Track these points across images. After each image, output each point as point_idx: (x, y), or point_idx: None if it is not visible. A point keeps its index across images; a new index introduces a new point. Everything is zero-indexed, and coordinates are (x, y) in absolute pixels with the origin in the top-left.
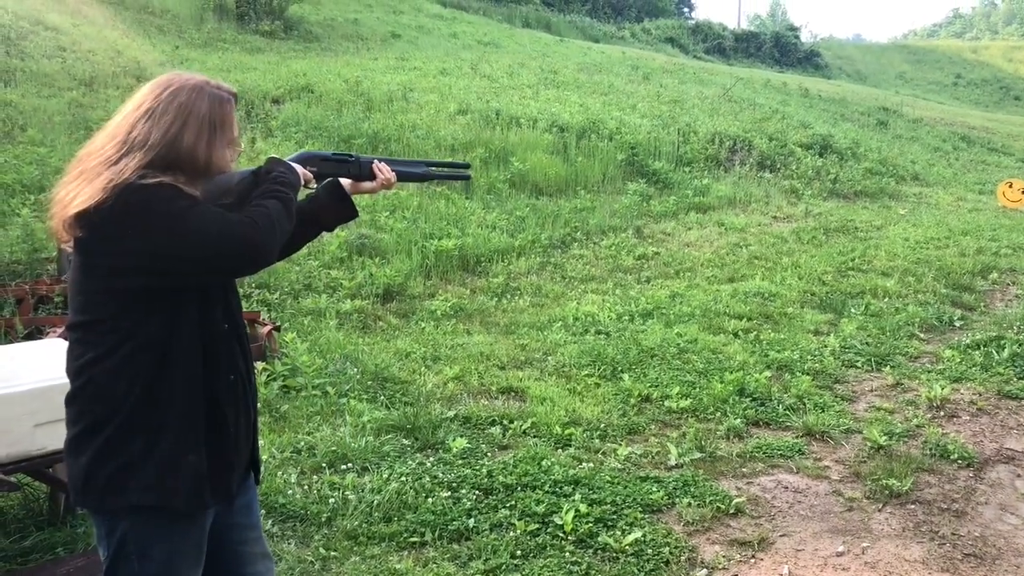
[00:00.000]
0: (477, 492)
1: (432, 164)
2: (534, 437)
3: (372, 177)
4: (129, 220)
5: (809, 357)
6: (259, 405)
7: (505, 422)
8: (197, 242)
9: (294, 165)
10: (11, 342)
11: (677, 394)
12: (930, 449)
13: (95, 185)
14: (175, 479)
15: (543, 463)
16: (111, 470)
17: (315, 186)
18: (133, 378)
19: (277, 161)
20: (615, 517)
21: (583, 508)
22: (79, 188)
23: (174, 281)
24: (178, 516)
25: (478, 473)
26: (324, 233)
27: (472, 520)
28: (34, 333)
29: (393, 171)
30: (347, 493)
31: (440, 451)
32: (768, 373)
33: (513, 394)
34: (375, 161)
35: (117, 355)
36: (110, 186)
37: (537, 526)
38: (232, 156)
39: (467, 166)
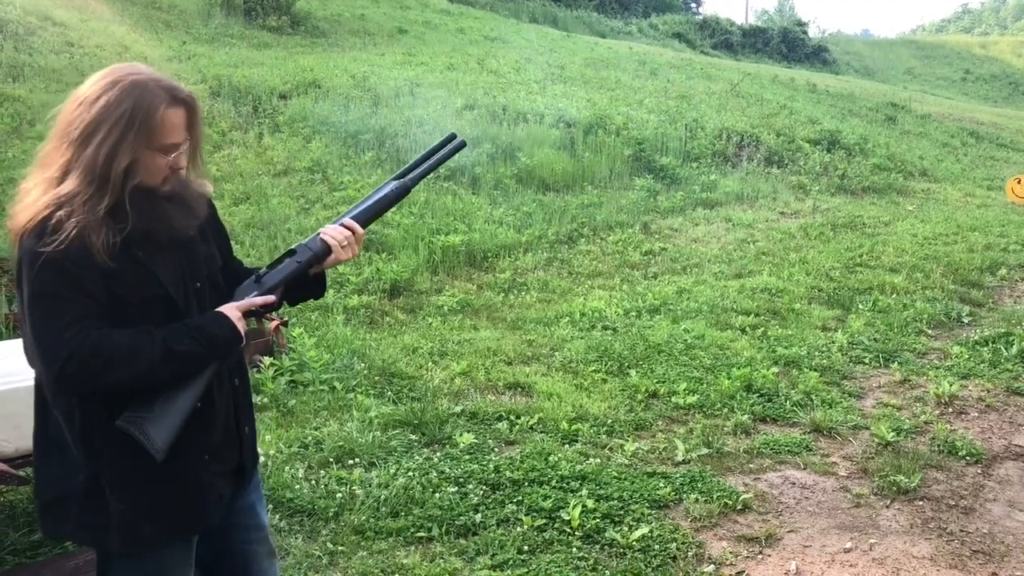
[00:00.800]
0: (484, 487)
1: (408, 169)
2: (541, 433)
3: (327, 253)
4: (19, 272)
5: (817, 353)
6: (266, 400)
7: (512, 417)
8: (30, 332)
9: (216, 332)
10: (18, 336)
11: (684, 390)
12: (938, 446)
13: (30, 198)
14: (107, 525)
15: (550, 459)
16: (48, 501)
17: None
18: (84, 411)
19: (219, 319)
20: (622, 513)
21: (590, 504)
22: (32, 190)
23: None
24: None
25: (485, 468)
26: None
27: (479, 515)
28: None
29: (356, 216)
30: (354, 488)
31: (447, 446)
32: (775, 369)
33: (520, 389)
34: (321, 233)
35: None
36: (30, 210)
37: (544, 521)
38: (165, 165)
39: (453, 136)
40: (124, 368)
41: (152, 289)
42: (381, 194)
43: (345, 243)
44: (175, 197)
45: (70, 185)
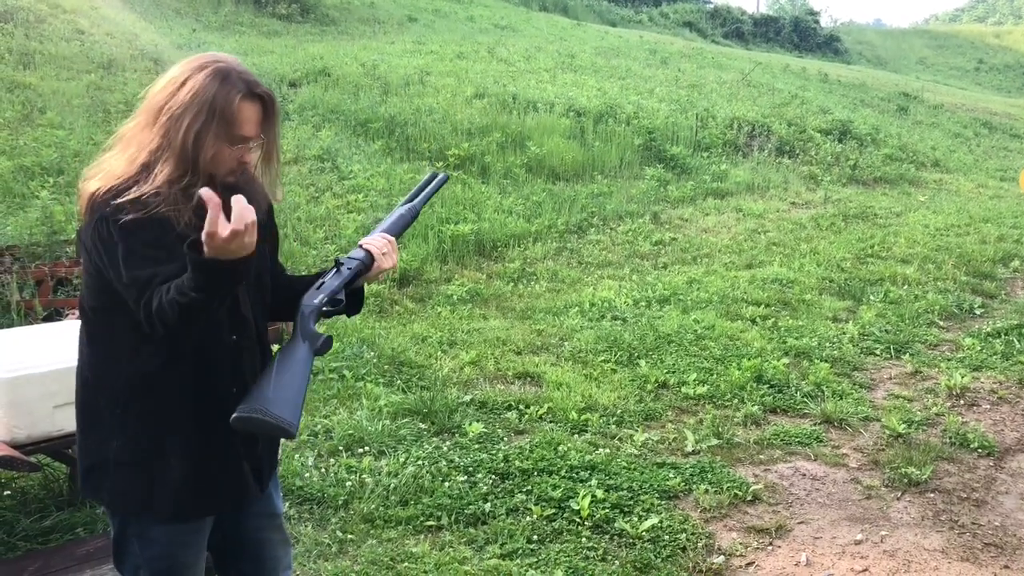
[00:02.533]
0: (493, 476)
1: (411, 198)
2: (550, 422)
3: (371, 261)
4: (96, 232)
5: (827, 344)
6: None
7: (521, 407)
8: (122, 285)
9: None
10: (31, 323)
11: (694, 380)
12: (950, 438)
13: (106, 171)
14: (145, 490)
15: (559, 448)
16: (90, 466)
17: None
18: (108, 383)
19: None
20: (632, 503)
21: (600, 494)
22: (106, 161)
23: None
24: (159, 519)
25: (494, 458)
26: (340, 218)
27: (488, 504)
28: (53, 315)
29: (384, 230)
30: (364, 476)
31: (456, 435)
32: (786, 360)
33: (529, 379)
34: (360, 246)
35: (97, 357)
36: (107, 177)
37: (553, 511)
38: (237, 157)
39: (435, 176)
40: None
41: None
42: (398, 215)
43: (386, 250)
44: (236, 190)
45: (156, 164)
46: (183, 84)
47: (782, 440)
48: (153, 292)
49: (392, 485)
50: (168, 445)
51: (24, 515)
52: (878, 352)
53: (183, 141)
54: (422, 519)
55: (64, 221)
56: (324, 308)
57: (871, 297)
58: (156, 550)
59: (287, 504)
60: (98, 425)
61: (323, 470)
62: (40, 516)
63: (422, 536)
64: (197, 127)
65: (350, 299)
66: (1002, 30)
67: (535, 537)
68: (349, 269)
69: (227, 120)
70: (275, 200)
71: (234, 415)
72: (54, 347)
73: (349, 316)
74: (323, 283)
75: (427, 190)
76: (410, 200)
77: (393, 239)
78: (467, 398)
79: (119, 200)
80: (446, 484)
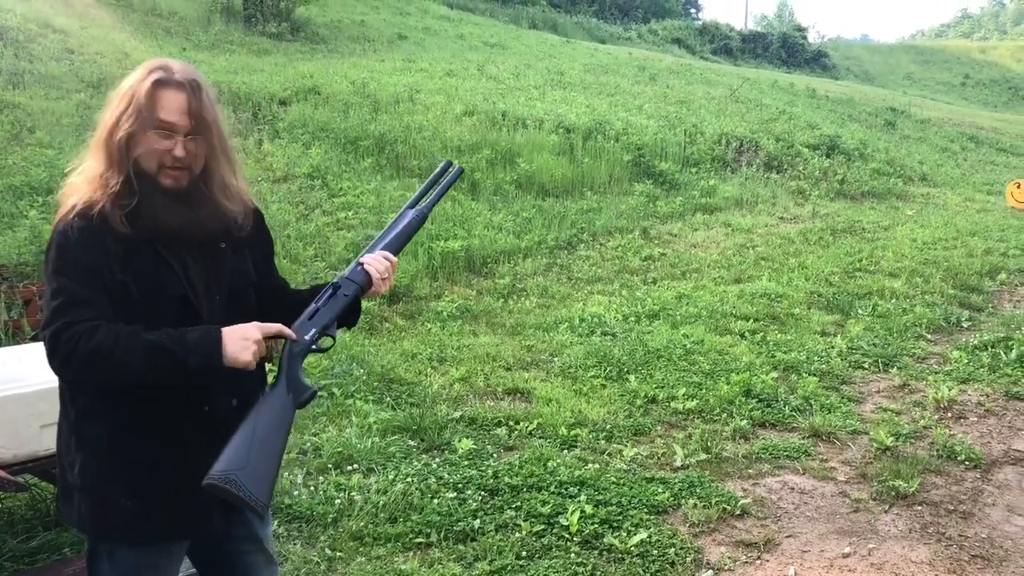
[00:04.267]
0: (483, 493)
1: (418, 198)
2: (540, 438)
3: (370, 281)
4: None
5: (816, 358)
6: None
7: (511, 423)
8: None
9: (226, 341)
10: (18, 343)
11: (683, 395)
12: (937, 450)
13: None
14: (106, 517)
15: (549, 464)
16: (62, 487)
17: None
18: (76, 409)
19: (209, 332)
20: (621, 518)
21: (589, 509)
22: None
23: None
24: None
25: (484, 474)
26: (330, 235)
27: (478, 521)
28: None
29: (384, 246)
30: (353, 494)
31: (446, 452)
32: (775, 374)
33: (519, 395)
34: (361, 262)
35: (61, 380)
36: (73, 204)
37: (543, 527)
38: (164, 147)
39: (449, 164)
40: (115, 367)
41: (169, 288)
42: (404, 223)
43: (385, 275)
44: (183, 198)
45: (86, 162)
46: (119, 84)
47: (771, 454)
48: (85, 327)
49: (381, 502)
50: (115, 481)
51: (10, 535)
52: (866, 365)
53: (109, 130)
54: (411, 536)
55: None
56: (314, 347)
57: (859, 311)
58: (124, 571)
59: (275, 523)
60: (67, 448)
61: (312, 488)
62: (27, 536)
63: (411, 553)
64: (117, 113)
65: (347, 314)
66: (987, 45)
67: (524, 553)
68: (346, 295)
69: (142, 103)
70: (247, 208)
71: (207, 480)
72: (41, 367)
73: (348, 328)
74: (317, 311)
75: (440, 187)
76: (418, 199)
77: (395, 260)
78: (457, 415)
79: (68, 213)
80: (435, 501)
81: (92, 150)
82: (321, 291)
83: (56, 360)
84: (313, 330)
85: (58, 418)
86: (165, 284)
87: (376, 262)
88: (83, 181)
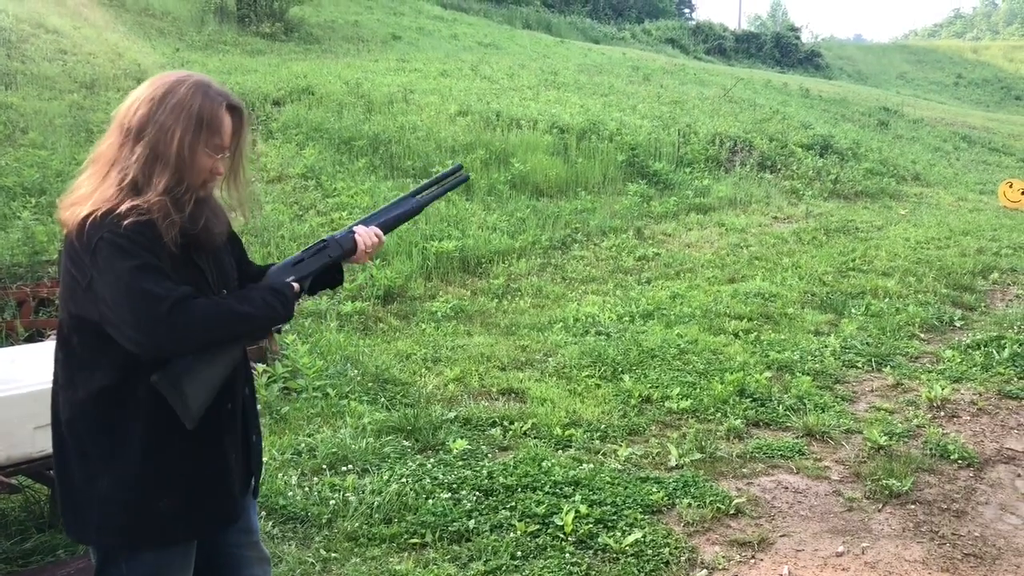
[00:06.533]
0: (477, 493)
1: (420, 189)
2: (534, 438)
3: (355, 249)
4: (93, 256)
5: (809, 357)
6: (260, 407)
7: (505, 423)
8: (116, 306)
9: (288, 295)
10: (12, 344)
11: (677, 395)
12: (930, 449)
13: (90, 199)
14: (143, 524)
15: (543, 464)
16: (75, 502)
17: (302, 291)
18: (99, 417)
19: (279, 292)
20: (615, 518)
21: (583, 509)
22: (87, 184)
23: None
24: (149, 550)
25: (478, 474)
26: (324, 235)
27: (472, 521)
28: (35, 335)
29: (380, 223)
30: (347, 495)
31: (440, 452)
32: (768, 373)
33: (513, 395)
34: (354, 230)
35: (85, 390)
36: (95, 210)
37: (537, 527)
38: (211, 165)
39: (459, 168)
40: (217, 331)
41: (203, 291)
42: (403, 209)
43: (371, 250)
44: (209, 206)
45: (149, 178)
46: (163, 100)
47: (765, 453)
48: (179, 304)
49: (376, 503)
50: (154, 486)
51: (4, 537)
52: (860, 365)
53: (177, 152)
54: (406, 537)
55: (46, 241)
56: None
57: (852, 310)
58: (143, 571)
59: (270, 523)
60: (84, 459)
61: (306, 489)
62: (20, 538)
63: (406, 554)
64: (189, 138)
65: (330, 275)
66: (979, 45)
67: (519, 553)
68: (330, 256)
69: (212, 129)
70: (244, 219)
71: (153, 376)
72: (36, 368)
73: (331, 288)
74: (302, 260)
75: (442, 186)
76: (421, 191)
77: (384, 239)
78: (451, 415)
79: (118, 218)
80: (430, 501)
81: (127, 164)
82: (312, 245)
83: (177, 334)
84: (293, 277)
85: (56, 432)
86: (201, 288)
87: (367, 235)
88: (121, 191)
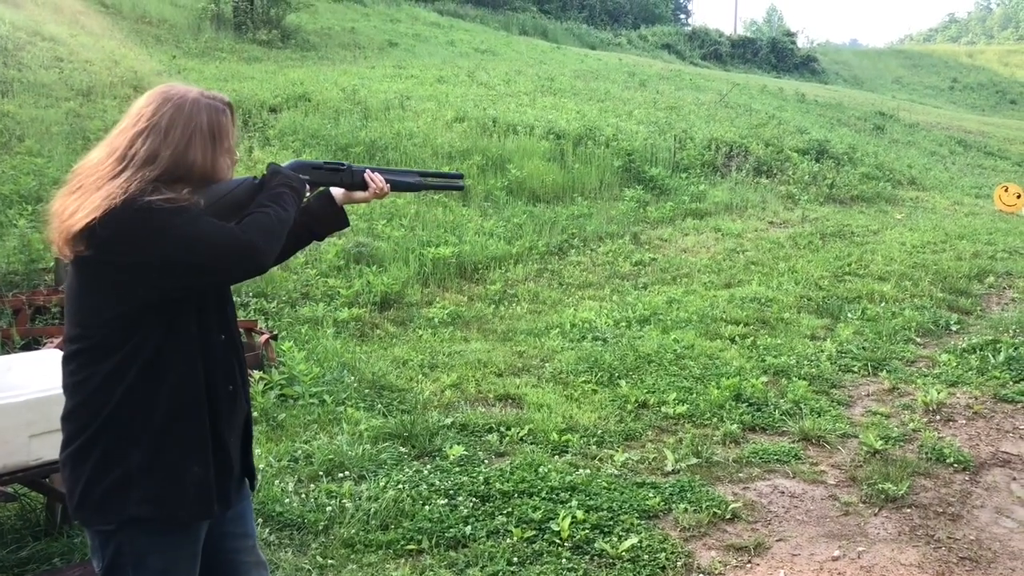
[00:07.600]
0: (474, 499)
1: (425, 174)
2: (531, 444)
3: (364, 186)
4: (135, 236)
5: (806, 362)
6: (256, 414)
7: (502, 429)
8: (201, 250)
9: (302, 194)
10: (8, 352)
11: (674, 400)
12: (926, 453)
13: (95, 199)
14: (179, 490)
15: (540, 470)
16: (108, 483)
17: (308, 195)
18: (130, 392)
19: (278, 168)
20: (612, 523)
21: (580, 514)
22: (79, 203)
23: (179, 292)
24: (174, 527)
25: (475, 480)
26: (319, 242)
27: (469, 527)
28: (31, 344)
29: (386, 180)
30: (344, 501)
31: (437, 459)
32: (765, 378)
33: (510, 401)
34: (367, 171)
35: (115, 370)
36: (113, 201)
37: (534, 533)
38: (229, 164)
39: (460, 176)
40: (281, 225)
41: None
42: (406, 179)
43: (377, 192)
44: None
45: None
46: (152, 117)
47: (761, 458)
48: (240, 227)
49: (372, 509)
50: (185, 452)
51: (0, 545)
52: (856, 369)
53: (201, 170)
54: (403, 543)
55: (43, 250)
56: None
57: (848, 315)
58: (156, 565)
59: (267, 530)
60: (111, 436)
61: (303, 495)
62: (17, 547)
63: (403, 560)
64: (211, 155)
65: (337, 217)
66: (975, 50)
67: (515, 559)
68: (341, 180)
69: (223, 135)
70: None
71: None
72: (32, 376)
73: (336, 230)
74: (322, 166)
75: (441, 181)
76: (424, 175)
77: (388, 192)
78: (448, 421)
79: (147, 196)
80: (427, 508)
81: (169, 179)
82: (332, 161)
83: (259, 256)
84: (307, 178)
85: (79, 423)
86: None
87: (378, 179)
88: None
